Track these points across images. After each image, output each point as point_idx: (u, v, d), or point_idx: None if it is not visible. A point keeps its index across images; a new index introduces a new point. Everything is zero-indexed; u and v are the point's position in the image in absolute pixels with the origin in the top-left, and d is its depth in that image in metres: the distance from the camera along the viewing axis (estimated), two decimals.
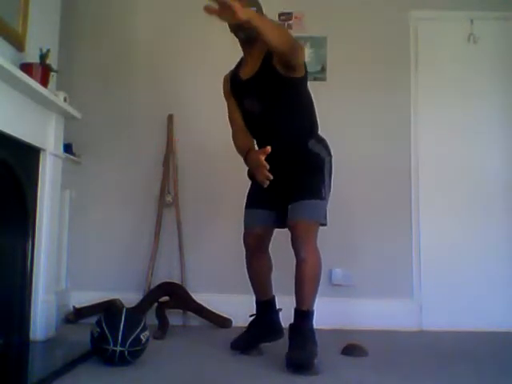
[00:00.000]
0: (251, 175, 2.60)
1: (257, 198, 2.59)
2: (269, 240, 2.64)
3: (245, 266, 2.66)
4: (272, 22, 2.32)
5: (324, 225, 2.50)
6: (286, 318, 2.49)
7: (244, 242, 2.62)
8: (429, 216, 3.52)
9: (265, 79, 2.46)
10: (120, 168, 3.58)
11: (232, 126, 2.68)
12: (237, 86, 2.60)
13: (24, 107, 2.52)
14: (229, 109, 2.69)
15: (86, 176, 3.53)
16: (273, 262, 2.68)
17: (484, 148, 3.58)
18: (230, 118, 2.68)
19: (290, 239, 2.41)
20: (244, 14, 2.05)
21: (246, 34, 2.44)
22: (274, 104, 2.48)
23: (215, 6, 2.03)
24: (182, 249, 3.45)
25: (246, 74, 2.54)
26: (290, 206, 2.43)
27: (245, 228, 2.62)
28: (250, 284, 2.68)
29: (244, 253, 2.64)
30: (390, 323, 3.30)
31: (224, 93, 2.70)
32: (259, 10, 2.50)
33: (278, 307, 2.68)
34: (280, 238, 2.62)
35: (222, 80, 2.72)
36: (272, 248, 2.66)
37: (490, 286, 3.44)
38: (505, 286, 3.45)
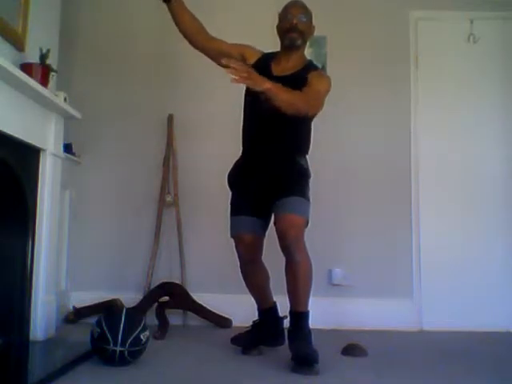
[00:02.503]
0: (231, 183, 2.65)
1: (242, 205, 2.57)
2: (260, 249, 2.59)
3: None
4: (289, 93, 2.30)
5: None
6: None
7: (236, 250, 2.58)
8: (429, 216, 3.52)
9: (293, 85, 2.43)
10: (120, 168, 3.58)
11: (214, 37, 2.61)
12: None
13: (24, 107, 2.51)
14: (227, 44, 2.60)
15: (85, 176, 3.53)
16: (272, 259, 2.63)
17: (484, 148, 3.58)
18: (220, 39, 2.60)
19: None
20: (262, 84, 2.19)
21: (292, 42, 2.52)
22: None
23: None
24: (181, 249, 3.44)
25: (276, 71, 2.55)
26: (277, 202, 2.42)
27: (233, 236, 2.57)
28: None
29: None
30: (390, 323, 3.30)
31: (243, 46, 2.63)
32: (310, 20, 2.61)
33: (283, 314, 2.62)
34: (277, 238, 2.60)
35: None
36: (271, 248, 2.62)
37: (490, 286, 3.44)
38: (505, 285, 3.45)
